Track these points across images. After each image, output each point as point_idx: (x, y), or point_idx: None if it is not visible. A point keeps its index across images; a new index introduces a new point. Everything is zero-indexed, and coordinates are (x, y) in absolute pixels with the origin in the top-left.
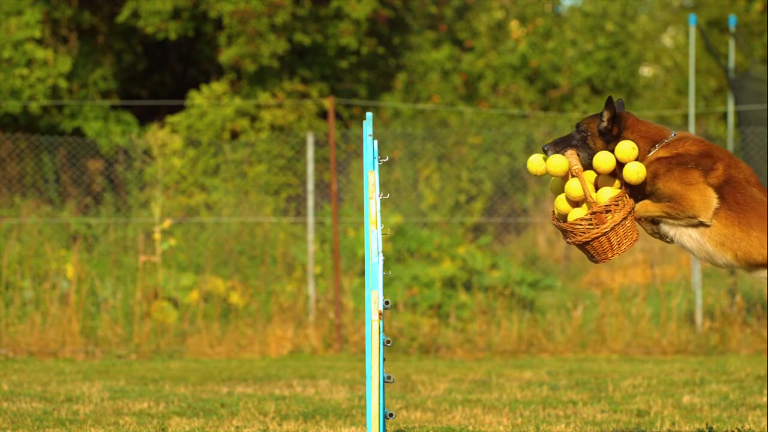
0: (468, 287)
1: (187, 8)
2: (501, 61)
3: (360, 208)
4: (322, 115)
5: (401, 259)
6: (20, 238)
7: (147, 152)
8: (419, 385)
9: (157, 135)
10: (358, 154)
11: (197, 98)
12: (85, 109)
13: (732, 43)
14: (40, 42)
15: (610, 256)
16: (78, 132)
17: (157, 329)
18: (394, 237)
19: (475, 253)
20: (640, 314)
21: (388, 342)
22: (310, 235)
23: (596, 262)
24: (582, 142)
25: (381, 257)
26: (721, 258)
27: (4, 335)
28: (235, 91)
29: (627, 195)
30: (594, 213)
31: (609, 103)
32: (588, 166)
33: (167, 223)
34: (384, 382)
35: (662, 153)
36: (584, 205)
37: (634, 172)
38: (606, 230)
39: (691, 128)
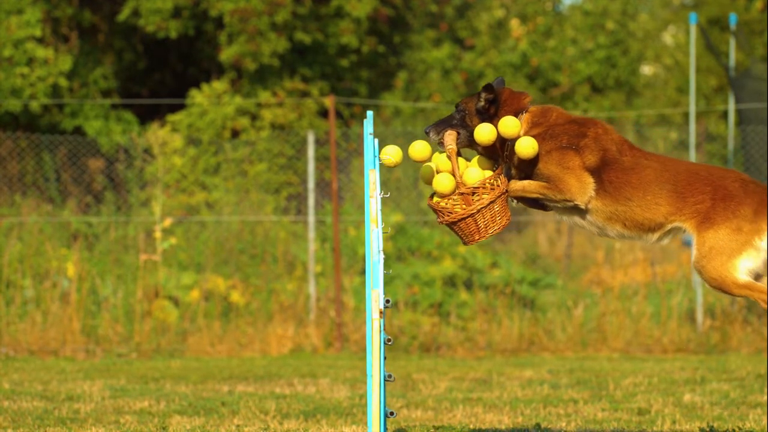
0: (469, 286)
1: (187, 7)
2: (502, 59)
3: (361, 207)
4: (323, 113)
5: (402, 257)
6: (21, 237)
7: (147, 151)
8: (420, 383)
9: (157, 134)
10: (359, 152)
11: (198, 97)
12: (86, 107)
13: (732, 42)
14: (40, 41)
15: (477, 238)
16: (78, 131)
17: (157, 328)
18: (395, 235)
19: (476, 252)
20: (641, 313)
21: (389, 341)
22: (311, 234)
23: (465, 243)
24: (461, 121)
25: (382, 256)
26: (612, 230)
27: (5, 334)
28: (236, 90)
29: (501, 178)
30: (461, 194)
31: (488, 86)
32: (470, 145)
33: (168, 221)
34: (385, 380)
35: (535, 130)
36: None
37: (528, 146)
38: (472, 212)
39: (692, 126)
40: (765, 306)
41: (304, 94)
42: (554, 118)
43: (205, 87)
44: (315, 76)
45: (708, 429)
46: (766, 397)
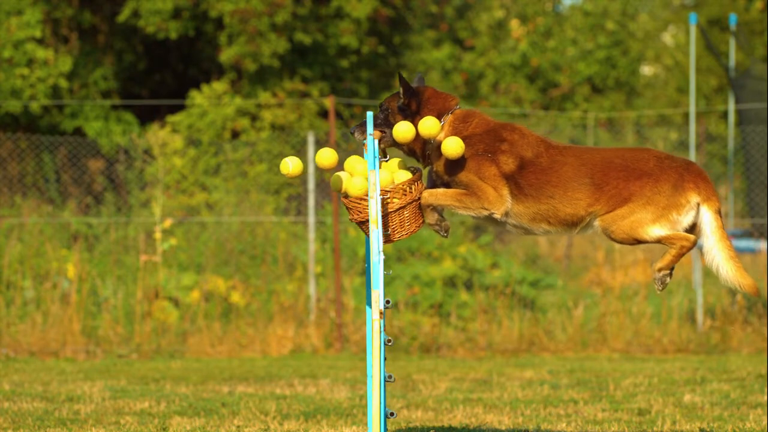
0: (469, 286)
1: (187, 8)
2: (502, 60)
3: None
4: (323, 114)
5: (402, 258)
6: (21, 238)
7: (148, 152)
8: (420, 384)
9: (157, 134)
10: (359, 153)
11: (198, 98)
12: (86, 108)
13: (732, 42)
14: (40, 42)
15: (383, 241)
16: (79, 132)
17: (158, 329)
18: None
19: (476, 252)
20: (641, 313)
21: (389, 341)
22: (311, 235)
23: None
24: (385, 120)
25: (382, 256)
26: (537, 228)
27: (6, 335)
28: (236, 91)
29: (417, 185)
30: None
31: (401, 80)
32: (394, 144)
33: (168, 222)
34: (385, 381)
35: (456, 136)
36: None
37: (454, 147)
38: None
39: (692, 127)
40: (676, 250)
41: (304, 95)
42: (474, 124)
43: (205, 88)
44: (315, 76)
45: (708, 429)
46: (766, 398)
